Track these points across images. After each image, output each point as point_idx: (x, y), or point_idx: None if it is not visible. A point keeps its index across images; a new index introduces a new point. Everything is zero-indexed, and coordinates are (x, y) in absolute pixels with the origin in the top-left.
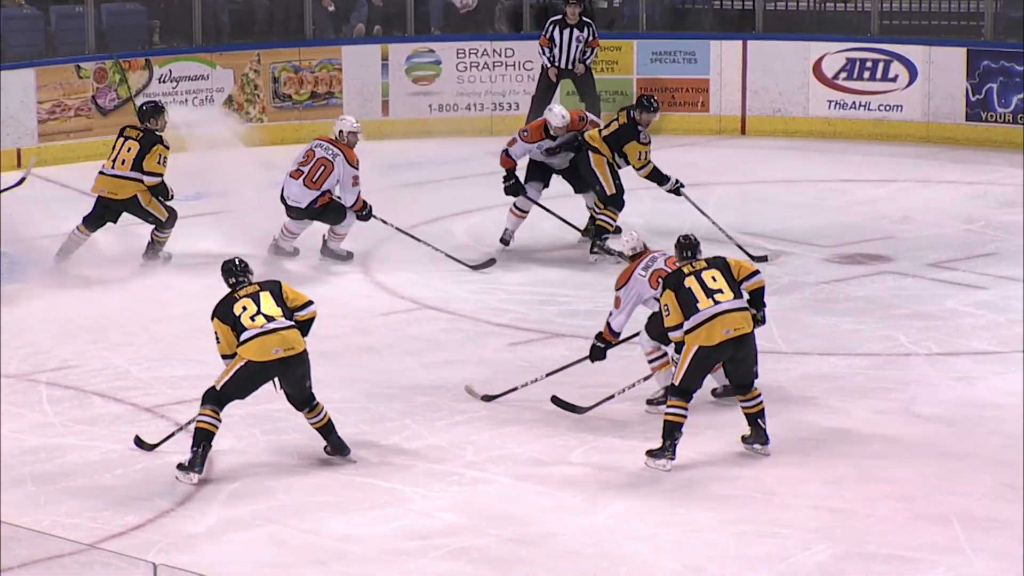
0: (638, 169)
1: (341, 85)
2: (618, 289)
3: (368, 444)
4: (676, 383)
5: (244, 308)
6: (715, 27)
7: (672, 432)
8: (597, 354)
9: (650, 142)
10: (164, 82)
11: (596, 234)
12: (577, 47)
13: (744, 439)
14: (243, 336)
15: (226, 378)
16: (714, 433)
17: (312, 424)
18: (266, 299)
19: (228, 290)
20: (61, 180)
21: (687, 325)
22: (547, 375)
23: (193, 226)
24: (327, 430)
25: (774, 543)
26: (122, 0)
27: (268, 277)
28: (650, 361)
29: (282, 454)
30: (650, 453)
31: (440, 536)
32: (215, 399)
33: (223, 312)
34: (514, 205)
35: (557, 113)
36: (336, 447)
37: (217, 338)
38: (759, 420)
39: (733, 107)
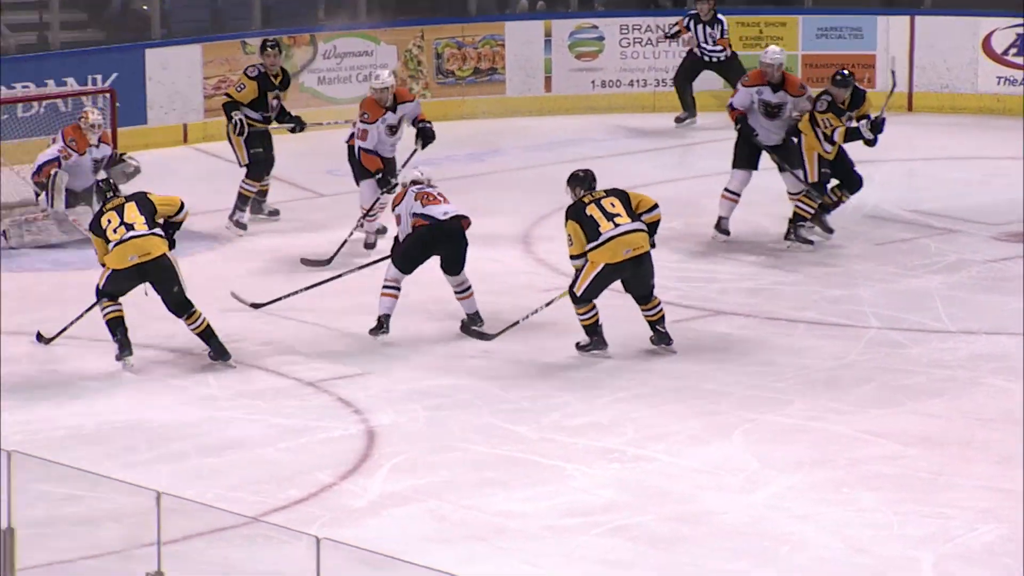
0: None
1: (504, 61)
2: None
3: (529, 421)
4: (579, 294)
5: (109, 221)
6: (882, 3)
7: (595, 330)
8: None
9: (844, 115)
10: (328, 58)
11: (794, 220)
12: (710, 42)
13: (652, 342)
14: (109, 247)
15: (102, 282)
16: (878, 412)
17: (192, 330)
18: (130, 209)
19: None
20: (227, 156)
21: (591, 245)
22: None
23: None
24: (207, 335)
25: (938, 523)
26: None
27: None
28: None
29: (443, 429)
30: (580, 346)
31: (600, 513)
32: (106, 295)
33: (94, 225)
34: (725, 189)
35: (771, 50)
36: (217, 352)
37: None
38: (659, 326)
39: (900, 83)
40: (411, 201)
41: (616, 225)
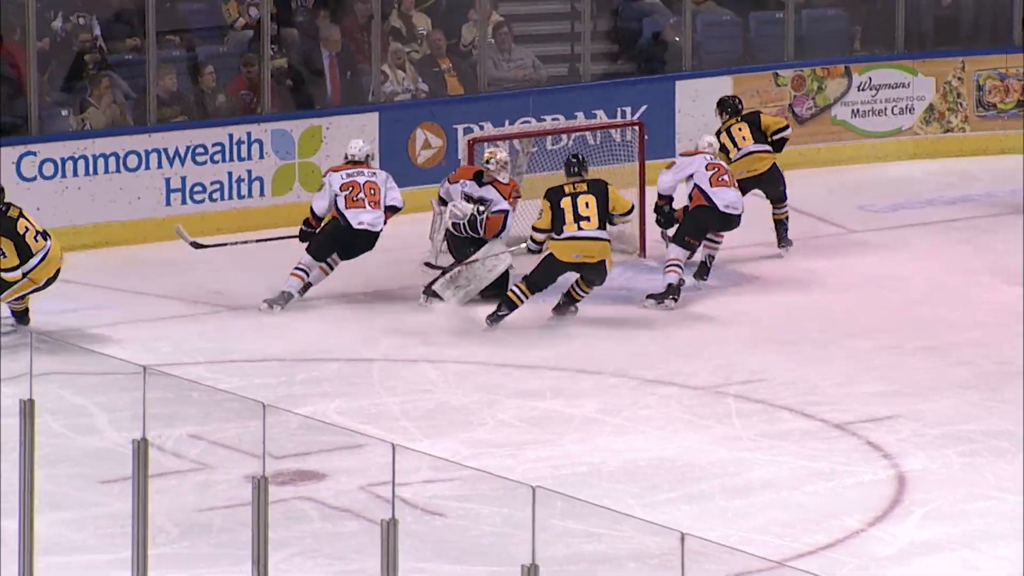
0: None
1: None
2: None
3: None
4: (528, 275)
5: (27, 228)
6: None
7: (510, 304)
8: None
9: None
10: (863, 90)
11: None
12: None
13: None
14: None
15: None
16: None
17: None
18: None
19: None
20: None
21: (553, 235)
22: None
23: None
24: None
25: None
26: (823, 7)
27: None
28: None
29: (978, 475)
30: (489, 317)
31: None
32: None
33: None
34: None
35: None
36: (19, 317)
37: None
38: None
39: None
40: (335, 185)
41: (580, 228)
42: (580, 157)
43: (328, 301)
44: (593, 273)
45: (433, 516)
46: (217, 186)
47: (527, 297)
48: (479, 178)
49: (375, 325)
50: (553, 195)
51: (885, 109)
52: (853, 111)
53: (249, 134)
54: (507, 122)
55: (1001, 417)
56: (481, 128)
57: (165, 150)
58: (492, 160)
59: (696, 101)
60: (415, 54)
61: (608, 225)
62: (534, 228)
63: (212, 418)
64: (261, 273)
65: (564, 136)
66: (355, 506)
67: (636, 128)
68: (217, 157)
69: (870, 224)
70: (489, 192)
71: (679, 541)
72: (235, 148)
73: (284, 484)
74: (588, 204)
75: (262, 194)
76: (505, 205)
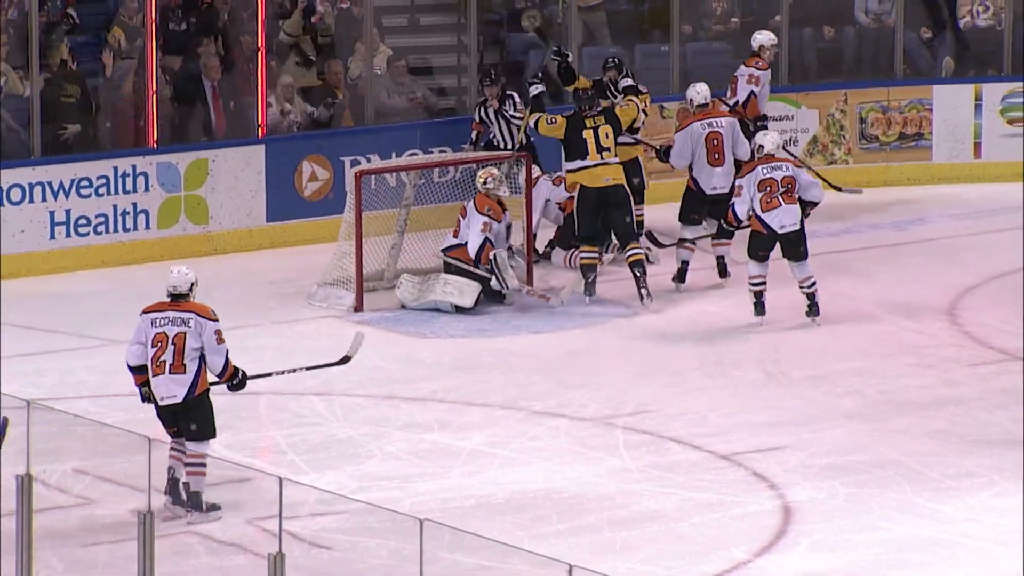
0: None
1: (931, 126)
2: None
3: (954, 499)
4: (577, 232)
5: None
6: None
7: (588, 271)
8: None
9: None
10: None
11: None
12: None
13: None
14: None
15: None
16: None
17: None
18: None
19: None
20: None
21: (576, 165)
22: None
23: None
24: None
25: None
26: (706, 40)
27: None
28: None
29: (864, 506)
30: (586, 292)
31: None
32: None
33: None
34: None
35: None
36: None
37: None
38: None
39: None
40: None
41: (602, 159)
42: (589, 94)
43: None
44: (616, 199)
45: (321, 550)
46: (102, 219)
47: (597, 253)
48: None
49: (262, 357)
50: (571, 121)
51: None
52: None
53: (134, 167)
54: (394, 154)
55: (888, 447)
56: (368, 160)
57: (49, 183)
58: (489, 179)
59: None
60: (306, 83)
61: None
62: (538, 124)
63: (97, 452)
64: (145, 303)
65: (451, 168)
66: (242, 540)
67: (523, 159)
68: (102, 190)
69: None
70: (508, 217)
71: (567, 573)
72: (120, 181)
73: (170, 519)
74: (608, 135)
75: (147, 227)
76: None
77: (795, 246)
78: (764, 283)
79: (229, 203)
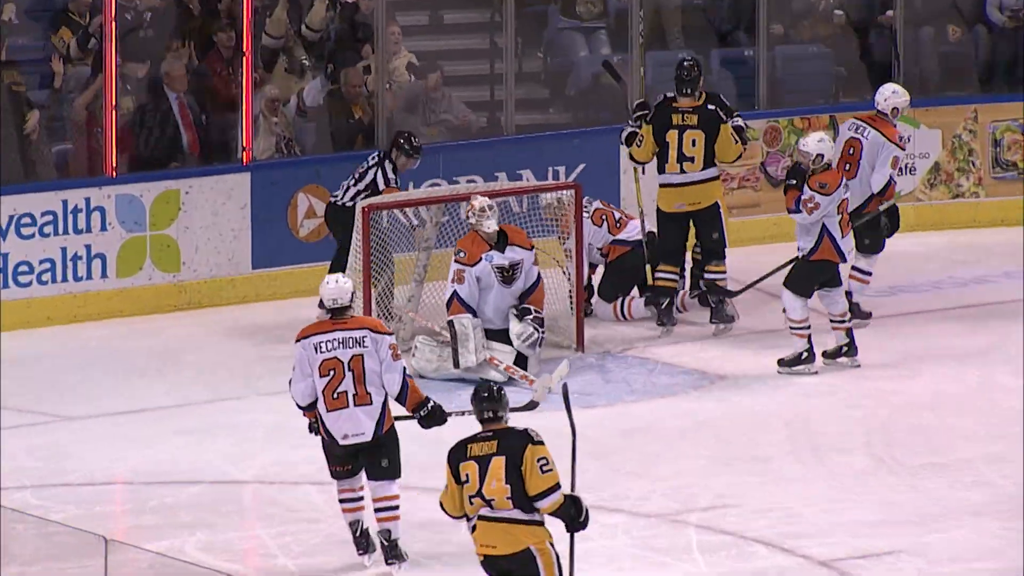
0: None
1: None
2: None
3: None
4: (659, 249)
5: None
6: None
7: (664, 296)
8: None
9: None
10: None
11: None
12: None
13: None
14: None
15: None
16: None
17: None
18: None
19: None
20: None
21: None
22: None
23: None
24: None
25: None
26: (801, 42)
27: None
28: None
29: None
30: (659, 320)
31: None
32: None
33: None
34: None
35: None
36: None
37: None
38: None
39: None
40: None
41: (682, 171)
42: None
43: (190, 406)
44: (701, 218)
45: None
46: (47, 266)
47: (676, 274)
48: (501, 244)
49: (249, 437)
50: (659, 118)
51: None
52: None
53: (88, 200)
54: (412, 184)
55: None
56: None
57: None
58: (472, 213)
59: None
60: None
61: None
62: (632, 158)
63: (42, 555)
64: (102, 370)
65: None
66: None
67: (572, 192)
68: (48, 229)
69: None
70: (516, 253)
71: None
72: (70, 218)
73: None
74: (695, 142)
75: (104, 275)
76: (531, 258)
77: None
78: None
79: (206, 246)
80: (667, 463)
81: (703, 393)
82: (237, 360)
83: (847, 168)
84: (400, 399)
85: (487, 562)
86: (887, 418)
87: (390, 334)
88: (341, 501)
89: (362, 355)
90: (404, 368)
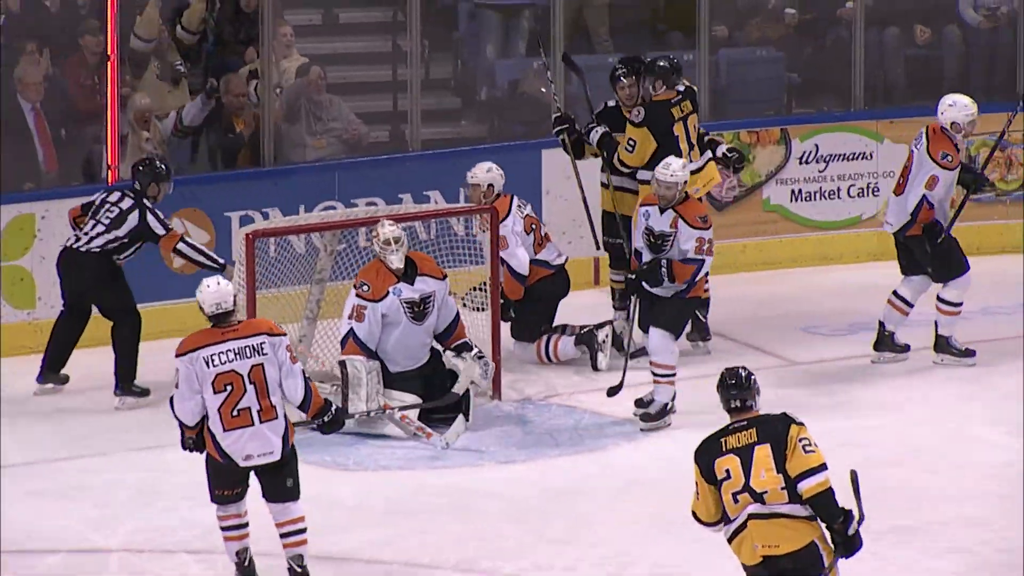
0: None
1: None
2: None
3: None
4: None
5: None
6: None
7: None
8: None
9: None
10: (807, 163)
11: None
12: None
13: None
14: None
15: None
16: None
17: None
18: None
19: None
20: None
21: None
22: None
23: None
24: None
25: None
26: (749, 45)
27: None
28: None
29: None
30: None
31: None
32: None
33: None
34: None
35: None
36: None
37: None
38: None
39: None
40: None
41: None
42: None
43: (46, 463)
44: None
45: None
46: None
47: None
48: (410, 275)
49: (114, 499)
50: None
51: (838, 190)
52: (793, 193)
53: None
54: (303, 208)
55: None
56: (265, 217)
57: None
58: (376, 243)
59: (570, 178)
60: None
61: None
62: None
63: None
64: None
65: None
66: None
67: (488, 216)
68: None
69: (819, 352)
70: (427, 284)
71: None
72: None
73: None
74: (695, 125)
75: None
76: (445, 289)
77: None
78: None
79: None
80: (597, 527)
81: (638, 446)
82: (102, 412)
83: (899, 182)
84: (304, 406)
85: (765, 563)
86: (845, 472)
87: (284, 334)
88: (227, 529)
89: (262, 364)
90: (303, 370)
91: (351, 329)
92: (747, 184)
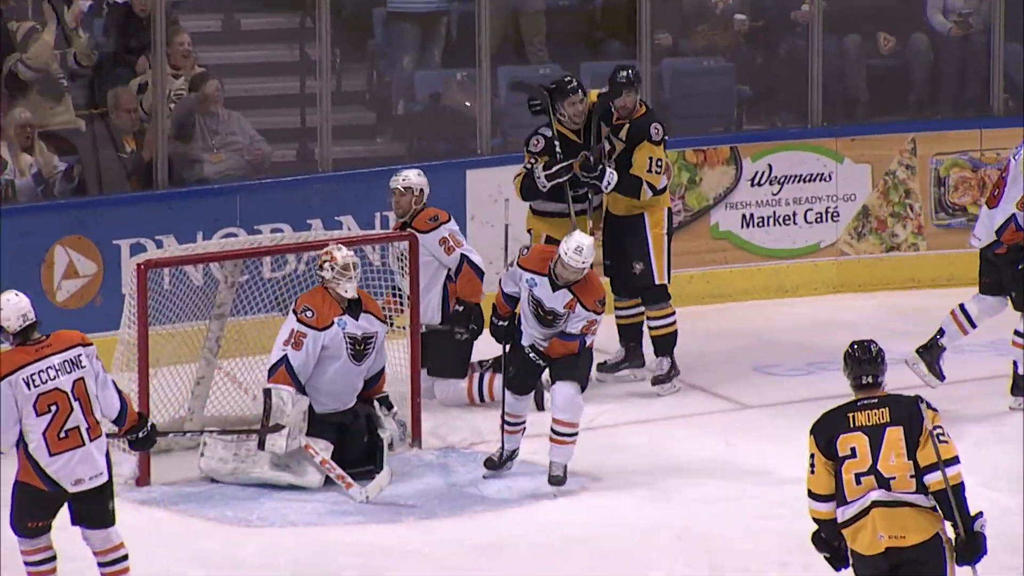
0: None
1: None
2: None
3: None
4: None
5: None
6: None
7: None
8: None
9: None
10: (759, 185)
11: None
12: None
13: None
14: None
15: None
16: None
17: None
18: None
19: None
20: None
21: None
22: None
23: None
24: None
25: None
26: (696, 55)
27: None
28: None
29: None
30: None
31: None
32: None
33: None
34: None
35: None
36: None
37: None
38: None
39: None
40: None
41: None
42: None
43: None
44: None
45: None
46: None
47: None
48: (355, 310)
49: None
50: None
51: (794, 215)
52: (744, 218)
53: None
54: (200, 235)
55: None
56: (159, 245)
57: None
58: (327, 265)
59: (498, 201)
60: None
61: None
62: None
63: None
64: None
65: (290, 257)
66: None
67: (407, 244)
68: None
69: (771, 395)
70: (371, 324)
71: None
72: None
73: None
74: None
75: None
76: (384, 333)
77: None
78: None
79: None
80: None
81: (573, 500)
82: None
83: (994, 193)
84: (120, 420)
85: (887, 554)
86: (807, 533)
87: (93, 343)
88: (37, 564)
89: (83, 378)
90: (113, 380)
91: (285, 356)
92: (693, 208)
